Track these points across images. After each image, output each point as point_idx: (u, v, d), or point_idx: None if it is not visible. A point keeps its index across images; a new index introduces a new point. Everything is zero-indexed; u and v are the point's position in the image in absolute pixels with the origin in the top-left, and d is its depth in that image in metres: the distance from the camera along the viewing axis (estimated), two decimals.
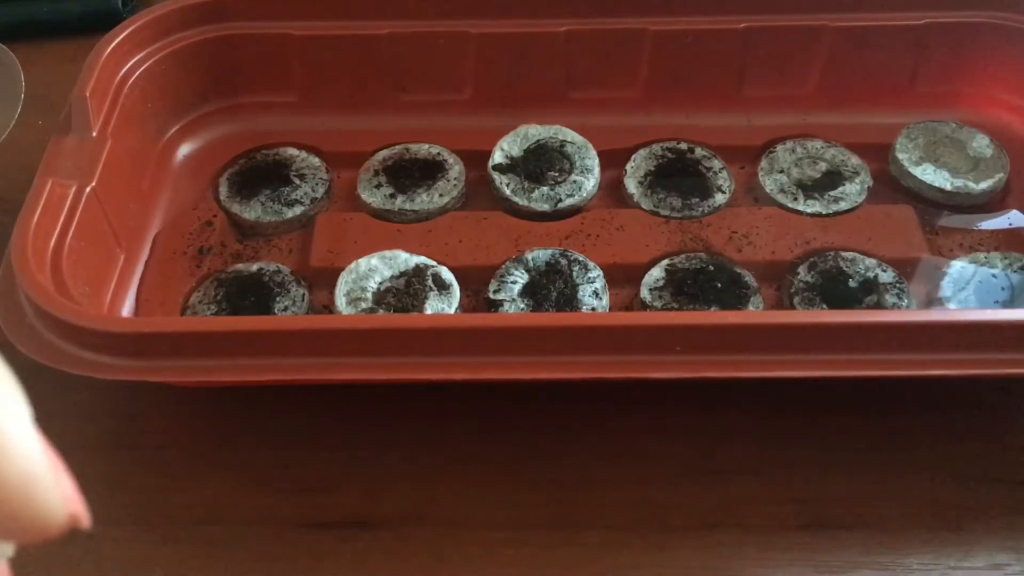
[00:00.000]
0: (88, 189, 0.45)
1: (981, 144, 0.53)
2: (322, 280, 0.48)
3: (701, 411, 0.44)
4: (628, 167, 0.53)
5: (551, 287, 0.46)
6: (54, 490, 0.18)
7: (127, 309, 0.47)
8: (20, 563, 0.40)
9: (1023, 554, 0.39)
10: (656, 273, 0.47)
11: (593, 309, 0.45)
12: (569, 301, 0.46)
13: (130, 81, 0.50)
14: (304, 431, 0.44)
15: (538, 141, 0.54)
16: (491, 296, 0.46)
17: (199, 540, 0.41)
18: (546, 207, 0.51)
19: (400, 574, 0.40)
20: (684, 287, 0.46)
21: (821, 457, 0.43)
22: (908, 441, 0.43)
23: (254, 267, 0.48)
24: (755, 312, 0.45)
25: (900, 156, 0.53)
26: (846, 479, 0.42)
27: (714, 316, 0.41)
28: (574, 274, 0.47)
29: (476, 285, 0.47)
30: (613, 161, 0.53)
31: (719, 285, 0.46)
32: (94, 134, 0.47)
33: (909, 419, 0.44)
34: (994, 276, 0.47)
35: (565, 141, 0.54)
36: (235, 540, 0.41)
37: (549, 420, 0.44)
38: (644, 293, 0.46)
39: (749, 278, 0.47)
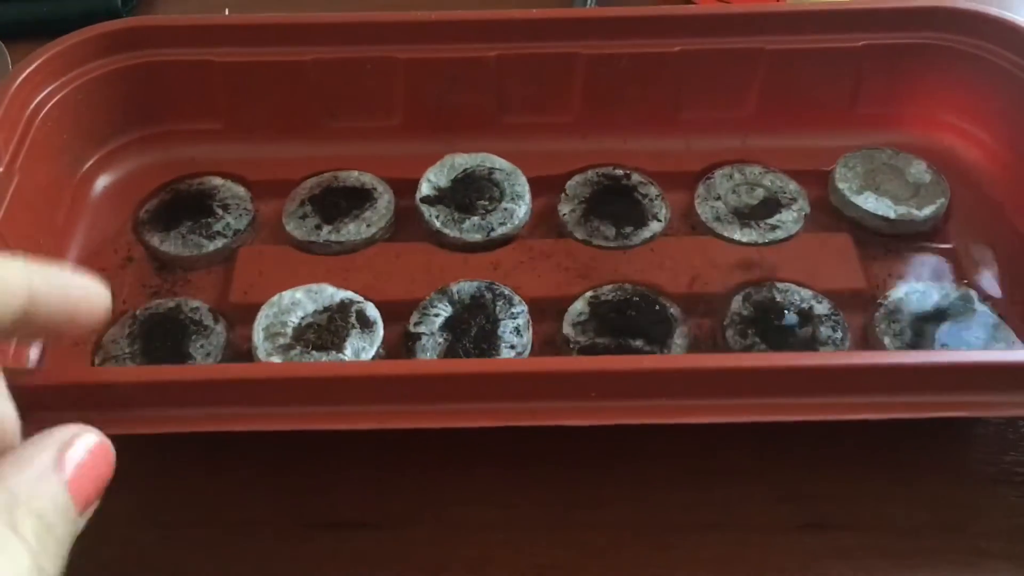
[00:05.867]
0: None
1: (919, 170, 0.52)
2: (243, 316, 0.46)
3: None
4: (562, 194, 0.52)
5: (472, 322, 0.45)
6: None
7: (37, 350, 0.45)
8: None
9: None
10: (579, 307, 0.46)
11: (512, 347, 0.44)
12: (488, 337, 0.44)
13: (43, 112, 0.48)
14: (303, 431, 0.43)
15: (465, 170, 0.52)
16: (411, 329, 0.45)
17: (199, 540, 0.40)
18: (478, 237, 0.49)
19: (400, 574, 0.39)
20: (608, 321, 0.45)
21: (821, 457, 0.42)
22: (909, 441, 0.42)
23: (171, 303, 0.47)
24: (668, 356, 0.43)
25: (840, 186, 0.51)
26: (846, 479, 0.41)
27: (623, 361, 0.39)
28: (497, 309, 0.45)
29: (404, 319, 0.46)
30: (550, 187, 0.52)
31: (644, 318, 0.45)
32: (1, 169, 0.45)
33: (910, 419, 0.43)
34: (930, 306, 0.46)
35: (493, 168, 0.52)
36: (235, 540, 0.40)
37: None
38: (566, 328, 0.45)
39: (674, 309, 0.45)
